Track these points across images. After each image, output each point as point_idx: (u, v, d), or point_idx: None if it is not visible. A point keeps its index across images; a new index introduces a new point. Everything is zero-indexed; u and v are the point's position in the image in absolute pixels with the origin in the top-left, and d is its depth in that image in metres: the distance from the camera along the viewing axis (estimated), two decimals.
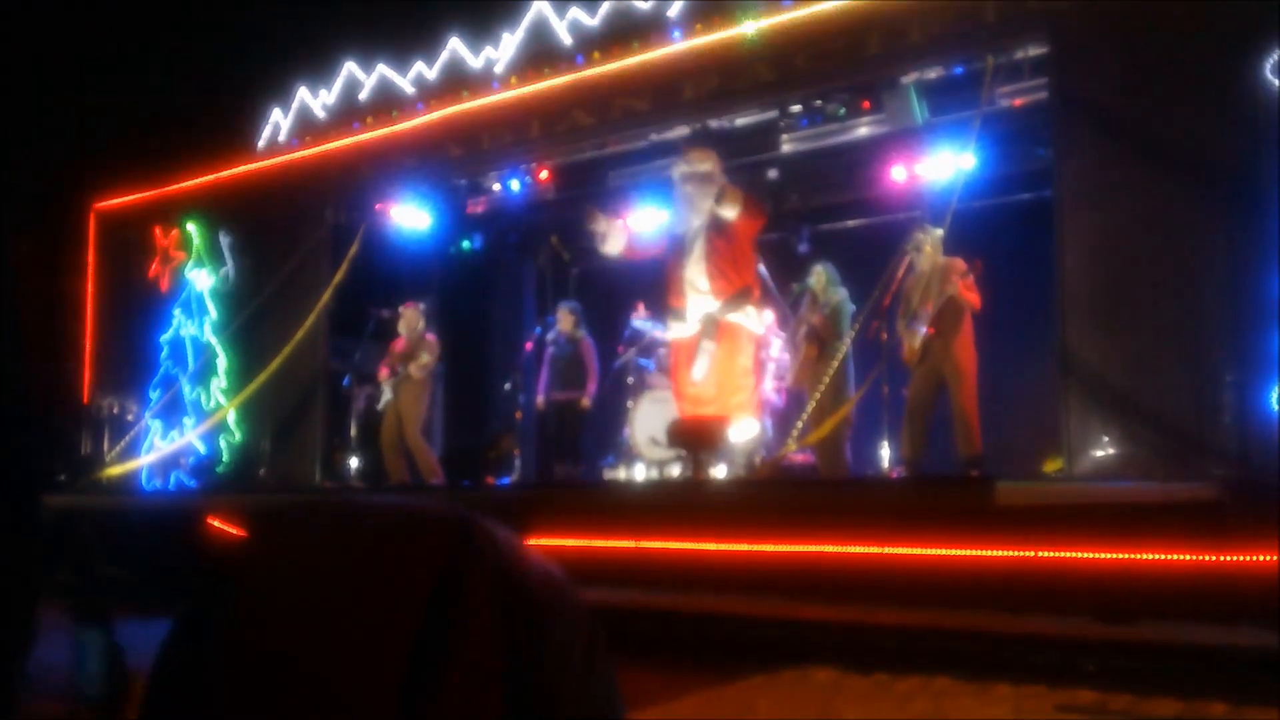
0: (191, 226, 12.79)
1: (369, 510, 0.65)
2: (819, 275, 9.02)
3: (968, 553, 6.90)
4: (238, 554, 0.64)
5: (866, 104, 9.02)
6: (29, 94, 17.88)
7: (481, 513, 0.66)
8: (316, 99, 12.06)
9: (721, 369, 7.88)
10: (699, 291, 8.00)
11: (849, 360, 8.71)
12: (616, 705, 0.67)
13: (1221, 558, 6.00)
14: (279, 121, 12.34)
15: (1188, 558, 6.24)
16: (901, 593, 7.62)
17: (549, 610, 0.63)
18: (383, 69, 11.51)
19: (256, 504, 10.10)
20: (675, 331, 8.34)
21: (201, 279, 12.63)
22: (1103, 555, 6.55)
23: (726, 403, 7.86)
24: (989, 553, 6.86)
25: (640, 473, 9.00)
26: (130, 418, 13.00)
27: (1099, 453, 6.87)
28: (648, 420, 9.35)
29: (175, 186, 13.18)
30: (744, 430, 7.96)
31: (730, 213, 7.90)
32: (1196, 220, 6.76)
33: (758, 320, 8.22)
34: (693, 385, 8.00)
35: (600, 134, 10.19)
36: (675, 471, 8.37)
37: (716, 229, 8.00)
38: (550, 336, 10.78)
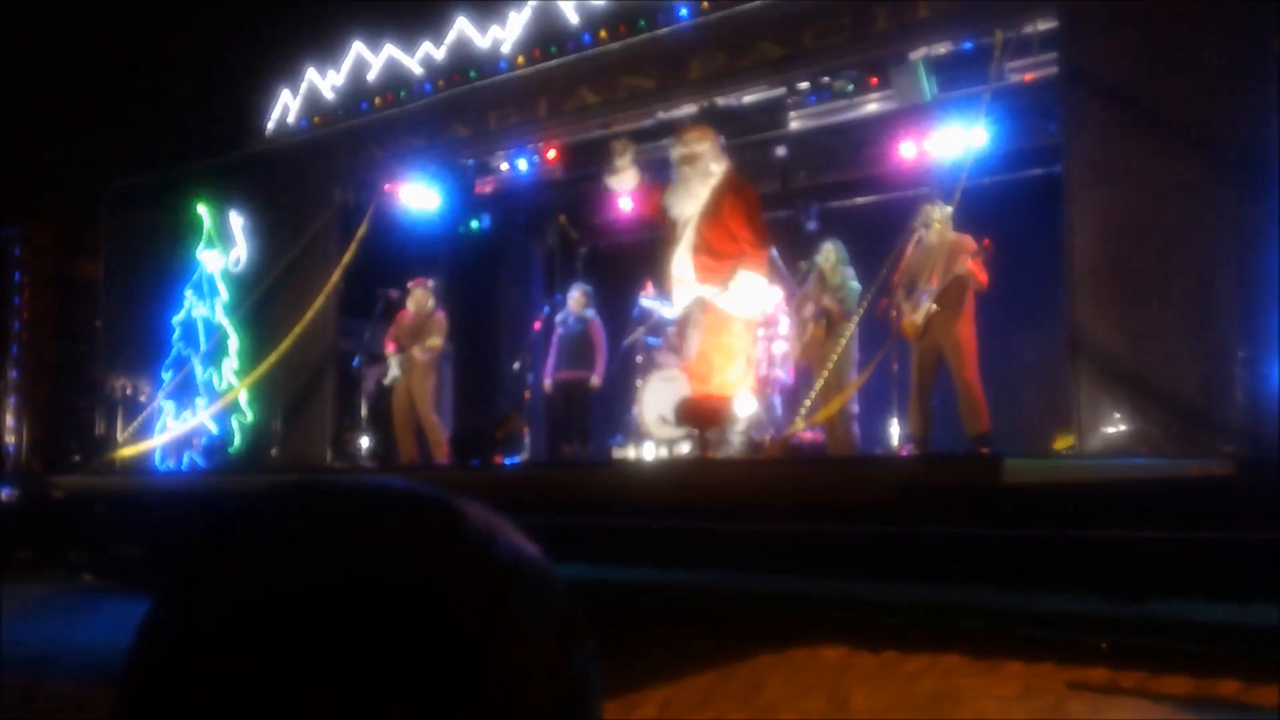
0: (202, 208, 12.81)
1: (342, 491, 0.66)
2: (828, 253, 8.99)
3: (978, 530, 6.90)
4: (215, 537, 0.64)
5: (875, 80, 8.96)
6: (40, 79, 17.90)
7: (458, 492, 0.66)
8: (325, 80, 12.04)
9: (707, 349, 7.82)
10: (683, 281, 7.90)
11: (854, 339, 8.69)
12: (592, 684, 0.66)
13: (1232, 535, 5.98)
14: (288, 103, 12.34)
15: (1198, 535, 6.22)
16: (911, 570, 7.63)
17: (522, 591, 0.63)
18: (390, 49, 11.48)
19: (238, 490, 10.18)
20: (671, 314, 8.42)
21: (212, 260, 12.66)
22: (1113, 533, 6.54)
23: (714, 382, 7.80)
24: (999, 531, 6.86)
25: (649, 452, 9.00)
26: (143, 399, 13.08)
27: (1109, 430, 6.84)
28: (656, 399, 9.34)
29: (186, 167, 13.20)
30: (740, 407, 7.93)
31: (723, 227, 7.75)
32: (1207, 196, 6.70)
33: (746, 301, 7.94)
34: (687, 365, 8.00)
35: (607, 112, 10.15)
36: (684, 450, 8.37)
37: (709, 216, 7.85)
38: (559, 316, 10.78)
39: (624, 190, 8.50)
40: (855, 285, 8.91)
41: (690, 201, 7.89)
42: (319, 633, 0.57)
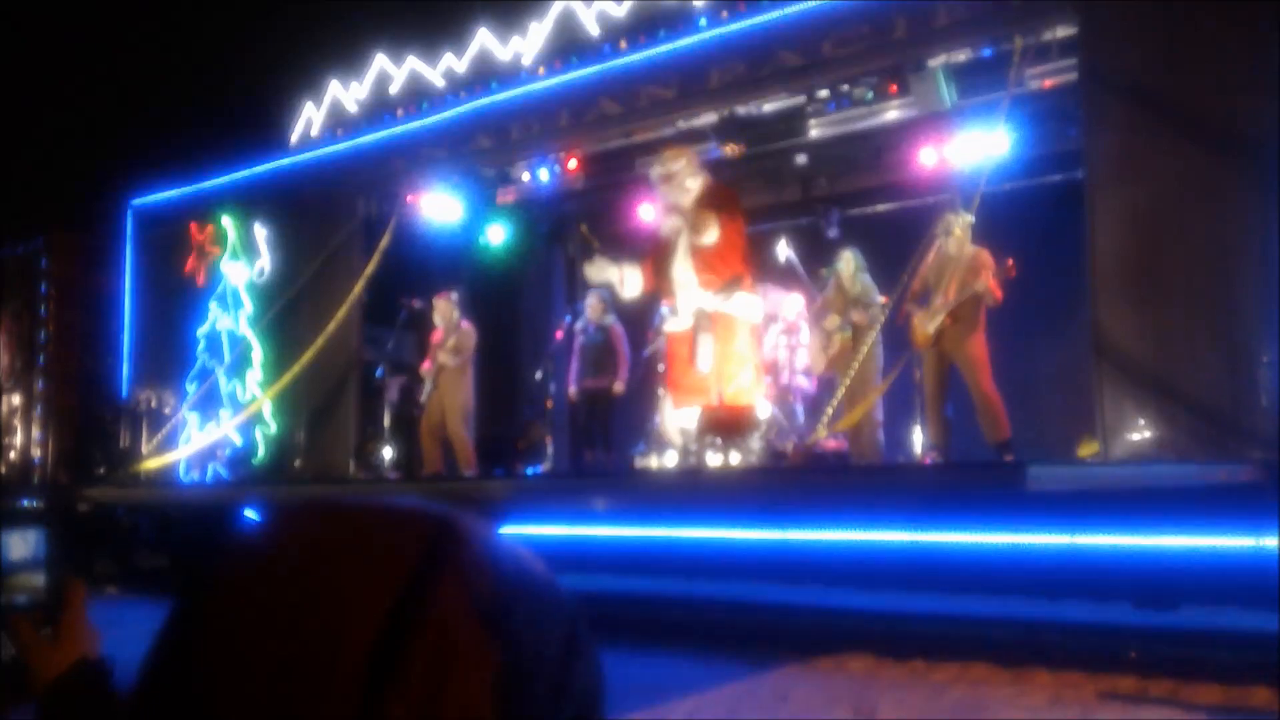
0: (227, 221, 12.91)
1: (348, 508, 0.67)
2: (847, 261, 8.99)
3: (1003, 538, 6.87)
4: (225, 551, 0.66)
5: (894, 88, 8.95)
6: (65, 94, 18.09)
7: (462, 507, 0.67)
8: (348, 92, 12.13)
9: (716, 358, 8.04)
10: (687, 287, 8.18)
11: (878, 347, 8.70)
12: (597, 700, 0.67)
13: (1261, 541, 5.93)
14: (311, 116, 12.43)
15: (1227, 542, 6.17)
16: (937, 580, 7.60)
17: (523, 606, 0.64)
18: (413, 62, 11.56)
19: (251, 504, 10.24)
20: (671, 325, 8.57)
21: (237, 272, 12.74)
22: (1140, 540, 6.50)
23: (724, 391, 7.99)
24: (1025, 539, 6.83)
25: (671, 460, 8.99)
26: (168, 411, 13.16)
27: (1134, 435, 6.80)
28: (673, 408, 9.34)
29: (210, 182, 13.30)
30: (759, 412, 8.10)
31: (709, 239, 8.04)
32: (1230, 199, 6.66)
33: (752, 307, 8.32)
34: (693, 376, 8.20)
35: (628, 122, 10.18)
36: (706, 459, 8.37)
37: (694, 227, 8.18)
38: (579, 325, 10.80)
39: (640, 292, 8.79)
40: (876, 293, 8.92)
41: (674, 216, 8.41)
42: (325, 648, 0.59)
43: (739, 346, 8.16)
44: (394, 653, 0.59)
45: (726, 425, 7.80)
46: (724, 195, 8.43)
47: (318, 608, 0.60)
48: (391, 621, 0.59)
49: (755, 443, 7.91)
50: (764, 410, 8.22)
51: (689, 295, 8.25)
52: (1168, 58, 6.97)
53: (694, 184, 8.41)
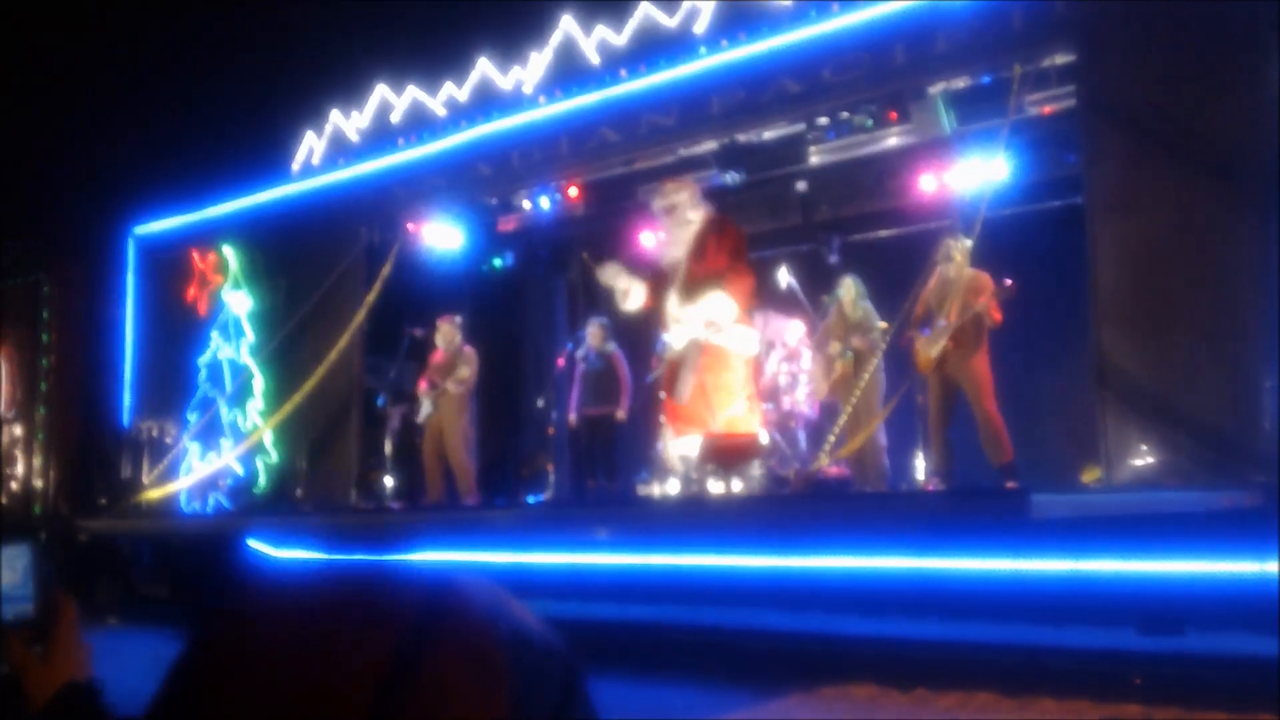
0: (228, 250, 12.95)
1: (347, 573, 0.68)
2: (848, 287, 9.01)
3: (1006, 565, 6.83)
4: (227, 610, 0.66)
5: (894, 115, 9.00)
6: (68, 122, 18.20)
7: (461, 570, 0.68)
8: (349, 121, 12.19)
9: (708, 388, 8.06)
10: (681, 319, 8.25)
11: (881, 373, 8.71)
12: None
13: (1264, 566, 5.90)
14: (313, 145, 12.49)
15: (1231, 567, 6.14)
16: (941, 607, 7.57)
17: (521, 665, 0.65)
18: (414, 90, 11.62)
19: (252, 533, 10.22)
20: (668, 354, 8.64)
21: (238, 301, 12.77)
22: (1144, 565, 6.47)
23: (717, 420, 8.03)
24: (1028, 565, 6.79)
25: (674, 488, 8.98)
26: (169, 440, 13.15)
27: (1137, 461, 6.79)
28: (671, 437, 9.34)
29: (212, 211, 13.35)
30: (749, 433, 8.12)
31: (707, 271, 8.12)
32: (1230, 225, 6.68)
33: (746, 340, 8.31)
34: (684, 405, 8.25)
35: (628, 150, 10.24)
36: (709, 486, 8.36)
37: (694, 256, 8.25)
38: (580, 353, 10.81)
39: (640, 306, 8.82)
40: (877, 319, 8.94)
41: (675, 247, 8.49)
42: (325, 707, 0.60)
43: (730, 379, 8.16)
44: (394, 709, 0.59)
45: (727, 453, 7.79)
46: (726, 228, 8.45)
47: (318, 667, 0.61)
48: (390, 679, 0.60)
49: (757, 470, 7.90)
50: (761, 439, 8.22)
51: (683, 327, 8.27)
52: (1167, 86, 7.02)
53: (695, 216, 8.47)
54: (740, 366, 8.24)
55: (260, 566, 0.69)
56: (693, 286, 8.24)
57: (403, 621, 0.63)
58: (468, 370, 10.39)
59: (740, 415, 8.15)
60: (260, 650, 0.63)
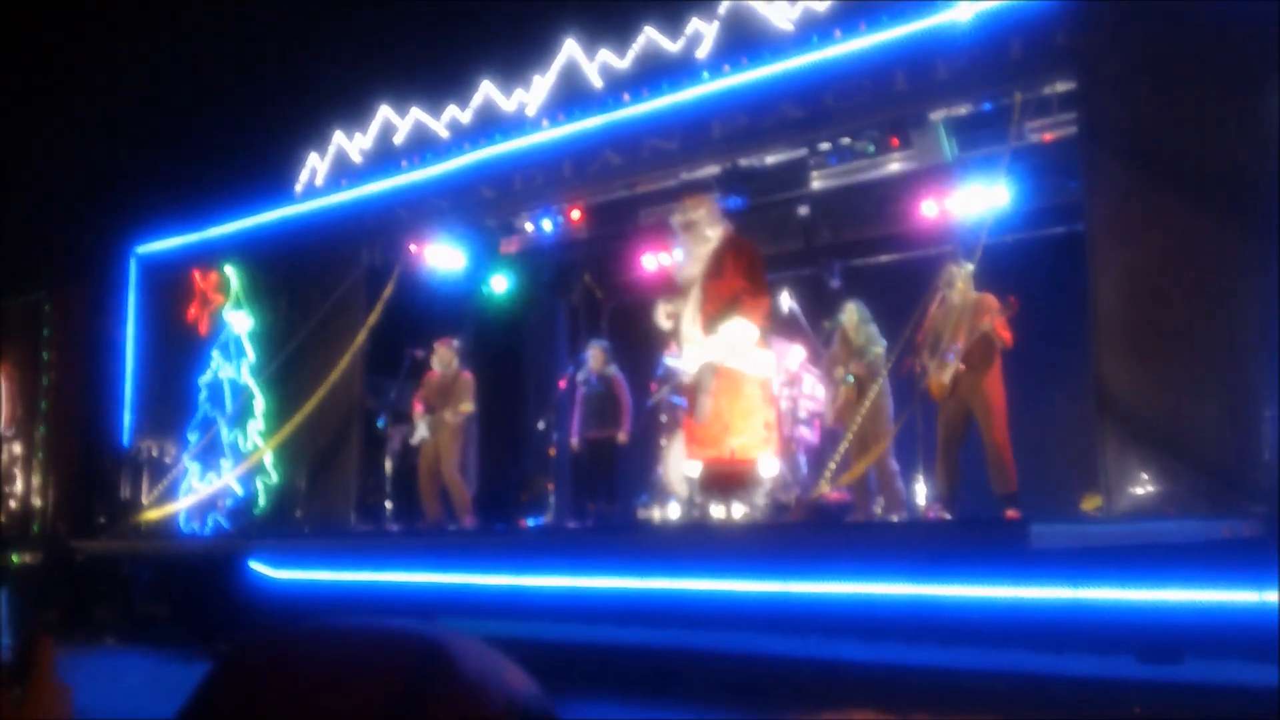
0: (230, 270, 12.98)
1: (339, 636, 0.69)
2: (850, 313, 9.02)
3: (1006, 592, 6.83)
4: (212, 682, 0.67)
5: (895, 141, 9.04)
6: (71, 142, 18.26)
7: (452, 633, 0.69)
8: (352, 143, 12.24)
9: (724, 412, 8.02)
10: (694, 340, 8.17)
11: (887, 397, 8.69)
12: None
13: (1263, 596, 5.90)
14: (316, 166, 12.53)
15: (1230, 596, 6.14)
16: (941, 634, 7.55)
17: None
18: (417, 112, 11.67)
19: (251, 555, 10.20)
20: (684, 377, 8.61)
21: (239, 321, 12.79)
22: (1144, 595, 6.46)
23: (732, 444, 8.00)
24: (1027, 593, 6.79)
25: (675, 511, 8.98)
26: (169, 461, 13.14)
27: (1138, 490, 6.79)
28: (681, 458, 9.34)
29: (214, 231, 13.38)
30: (764, 469, 8.04)
31: (724, 290, 8.07)
32: (1230, 252, 6.70)
33: (761, 363, 8.24)
34: (699, 428, 8.23)
35: (631, 174, 10.27)
36: (710, 510, 8.36)
37: (710, 275, 8.22)
38: (581, 375, 10.82)
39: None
40: (880, 344, 8.93)
41: (693, 264, 8.43)
42: None
43: (745, 404, 8.12)
44: None
45: (723, 480, 7.80)
46: (743, 248, 8.40)
47: None
48: None
49: (758, 496, 7.90)
50: (771, 468, 8.15)
51: (696, 349, 8.24)
52: (1166, 114, 7.05)
53: (713, 233, 8.44)
54: (756, 390, 8.20)
55: (254, 632, 0.70)
56: (709, 307, 8.19)
57: (393, 685, 0.63)
58: (469, 403, 10.41)
59: (753, 441, 8.09)
60: (254, 712, 0.63)
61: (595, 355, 10.67)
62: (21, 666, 1.28)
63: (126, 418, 13.84)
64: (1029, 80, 8.02)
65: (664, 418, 10.01)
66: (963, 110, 8.73)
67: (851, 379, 8.82)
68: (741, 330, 8.08)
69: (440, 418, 10.30)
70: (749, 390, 8.11)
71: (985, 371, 7.90)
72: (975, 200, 8.96)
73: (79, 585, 12.63)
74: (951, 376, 7.96)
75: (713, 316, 8.10)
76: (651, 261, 11.34)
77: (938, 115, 8.75)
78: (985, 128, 8.66)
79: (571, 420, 10.89)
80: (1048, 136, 8.45)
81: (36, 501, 14.95)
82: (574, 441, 10.84)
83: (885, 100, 8.70)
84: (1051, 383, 9.26)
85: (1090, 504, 7.44)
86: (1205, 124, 6.87)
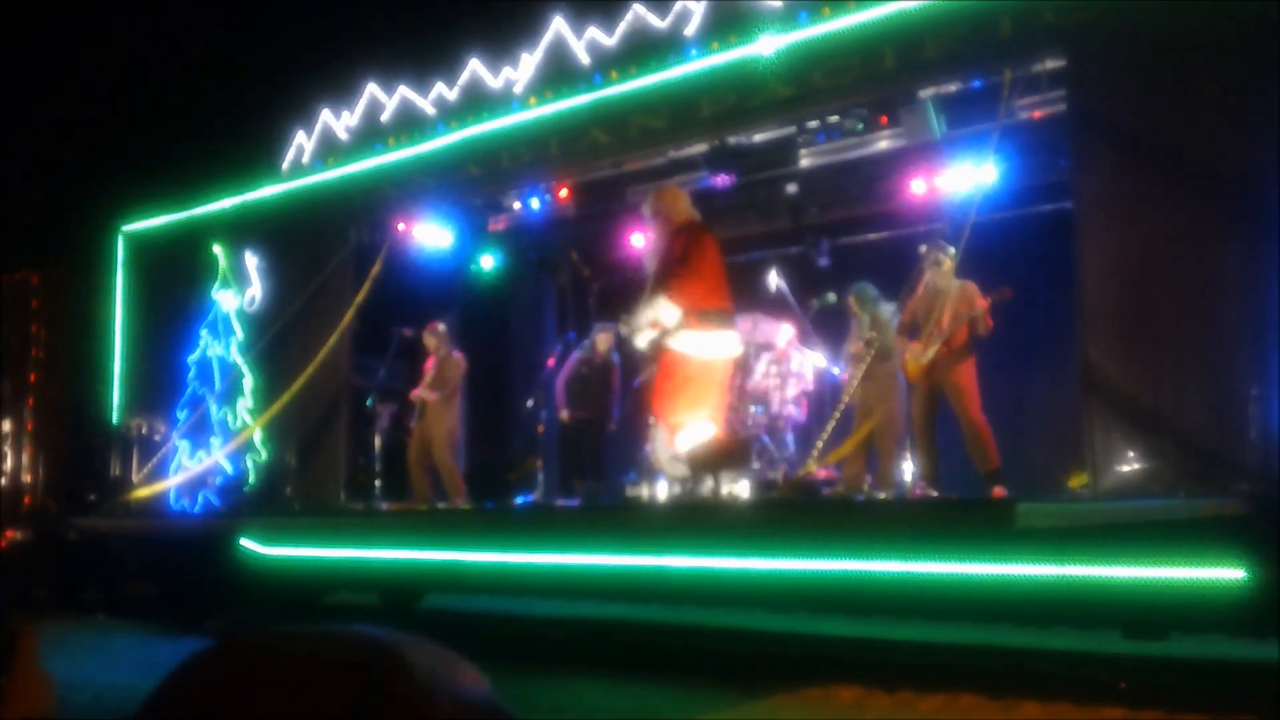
0: (217, 248, 12.92)
1: (290, 641, 0.69)
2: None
3: (992, 568, 6.87)
4: (170, 684, 0.67)
5: (884, 119, 9.02)
6: (58, 119, 18.13)
7: (402, 636, 0.69)
8: (339, 120, 12.17)
9: (663, 389, 8.05)
10: (639, 328, 8.16)
11: (898, 378, 8.68)
12: None
13: (1247, 574, 5.94)
14: (302, 143, 12.46)
15: (1215, 573, 6.18)
16: (926, 610, 7.60)
17: None
18: (404, 90, 11.60)
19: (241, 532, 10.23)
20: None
21: (227, 300, 12.74)
22: (1129, 571, 6.50)
23: (671, 421, 8.01)
24: (1013, 569, 6.82)
25: (662, 489, 9.00)
26: (158, 438, 13.12)
27: (1123, 469, 6.83)
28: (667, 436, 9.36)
29: (201, 209, 13.30)
30: (690, 439, 7.95)
31: (665, 274, 8.01)
32: (1218, 233, 6.71)
33: (694, 343, 7.97)
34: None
35: (618, 152, 10.23)
36: (697, 488, 8.38)
37: (656, 258, 8.22)
38: (583, 354, 10.84)
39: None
40: (884, 313, 8.92)
41: (652, 257, 8.41)
42: None
43: (675, 384, 7.98)
44: None
45: (715, 456, 7.81)
46: (693, 232, 8.19)
47: None
48: None
49: (746, 473, 7.92)
50: (687, 441, 8.01)
51: (643, 334, 8.14)
52: (1157, 95, 7.03)
53: (676, 220, 8.30)
54: (699, 370, 7.97)
55: (196, 652, 0.70)
56: (649, 288, 8.13)
57: (345, 690, 0.63)
58: (450, 374, 10.42)
59: (693, 422, 7.96)
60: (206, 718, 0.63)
61: (603, 338, 10.67)
62: (4, 657, 1.28)
63: (116, 395, 13.81)
64: (1018, 58, 7.99)
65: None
66: (952, 88, 8.70)
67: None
68: (663, 309, 7.92)
69: (422, 399, 10.34)
70: (690, 370, 7.94)
71: (962, 356, 7.96)
72: (964, 178, 8.97)
73: (69, 563, 12.62)
74: (930, 359, 8.01)
75: (649, 296, 8.04)
76: (639, 240, 11.32)
77: (927, 93, 8.73)
78: (974, 105, 8.64)
79: (560, 394, 10.92)
80: (1037, 114, 8.43)
81: (26, 478, 14.93)
82: (564, 414, 10.84)
83: (874, 78, 8.66)
84: (1038, 360, 9.30)
85: (1076, 482, 7.49)
86: (1196, 107, 6.86)
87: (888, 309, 8.91)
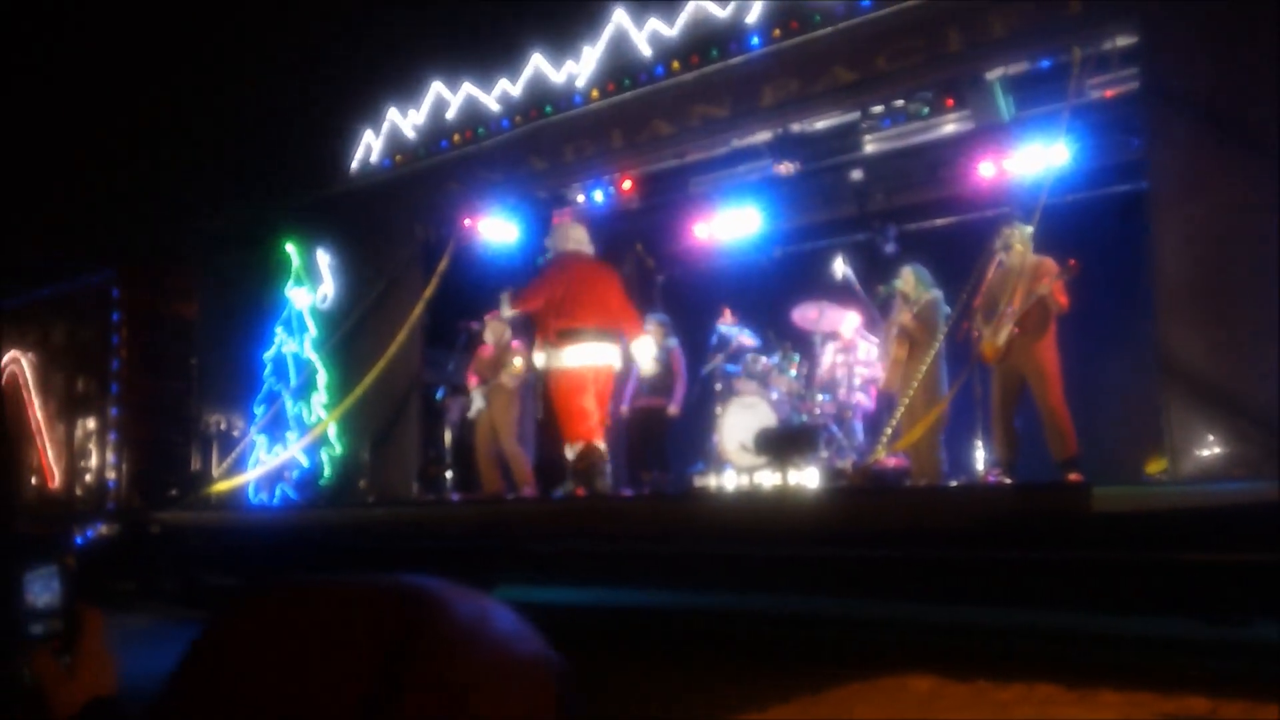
0: (290, 246, 13.16)
1: (326, 592, 0.69)
2: (907, 277, 8.91)
3: (1069, 554, 6.75)
4: (208, 635, 0.68)
5: (950, 101, 8.89)
6: (134, 123, 18.61)
7: (439, 584, 0.68)
8: (406, 119, 12.32)
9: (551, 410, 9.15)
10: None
11: (941, 361, 8.59)
12: None
13: None
14: (370, 142, 12.64)
15: None
16: (1002, 598, 7.49)
17: (504, 674, 0.65)
18: (468, 87, 11.71)
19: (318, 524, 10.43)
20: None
21: (301, 297, 12.98)
22: (1213, 556, 6.35)
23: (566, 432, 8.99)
24: (1092, 554, 6.70)
25: (730, 479, 8.99)
26: (236, 434, 13.42)
27: (1203, 452, 6.67)
28: (736, 426, 9.33)
29: (275, 208, 13.57)
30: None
31: None
32: None
33: (569, 357, 8.98)
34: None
35: (681, 142, 10.22)
36: (765, 478, 8.36)
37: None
38: None
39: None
40: (944, 306, 8.78)
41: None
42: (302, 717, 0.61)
43: (559, 399, 9.01)
44: None
45: (784, 444, 7.78)
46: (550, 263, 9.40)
47: (300, 688, 0.62)
48: (372, 697, 0.61)
49: (815, 461, 7.88)
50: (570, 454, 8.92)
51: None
52: (1231, 67, 6.85)
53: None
54: (571, 385, 8.95)
55: (239, 597, 0.70)
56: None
57: (381, 638, 0.63)
58: (520, 363, 10.46)
59: (577, 429, 8.93)
60: (240, 677, 0.64)
61: (654, 330, 10.68)
62: (70, 637, 1.32)
63: (195, 393, 14.15)
64: (1088, 36, 7.83)
65: (718, 386, 10.02)
66: (1020, 68, 8.55)
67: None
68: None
69: (495, 383, 10.37)
70: (561, 386, 8.99)
71: (1040, 336, 7.77)
72: (1034, 160, 8.79)
73: (151, 556, 12.95)
74: (1005, 340, 7.85)
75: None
76: (703, 231, 11.30)
77: (994, 74, 8.58)
78: (1043, 85, 8.47)
79: (626, 389, 10.93)
80: (1109, 93, 8.25)
81: (111, 475, 15.36)
82: (623, 409, 10.87)
83: (939, 60, 8.54)
84: (1114, 344, 9.10)
85: (1155, 467, 7.32)
86: (1270, 78, 6.67)
87: (937, 293, 8.83)
